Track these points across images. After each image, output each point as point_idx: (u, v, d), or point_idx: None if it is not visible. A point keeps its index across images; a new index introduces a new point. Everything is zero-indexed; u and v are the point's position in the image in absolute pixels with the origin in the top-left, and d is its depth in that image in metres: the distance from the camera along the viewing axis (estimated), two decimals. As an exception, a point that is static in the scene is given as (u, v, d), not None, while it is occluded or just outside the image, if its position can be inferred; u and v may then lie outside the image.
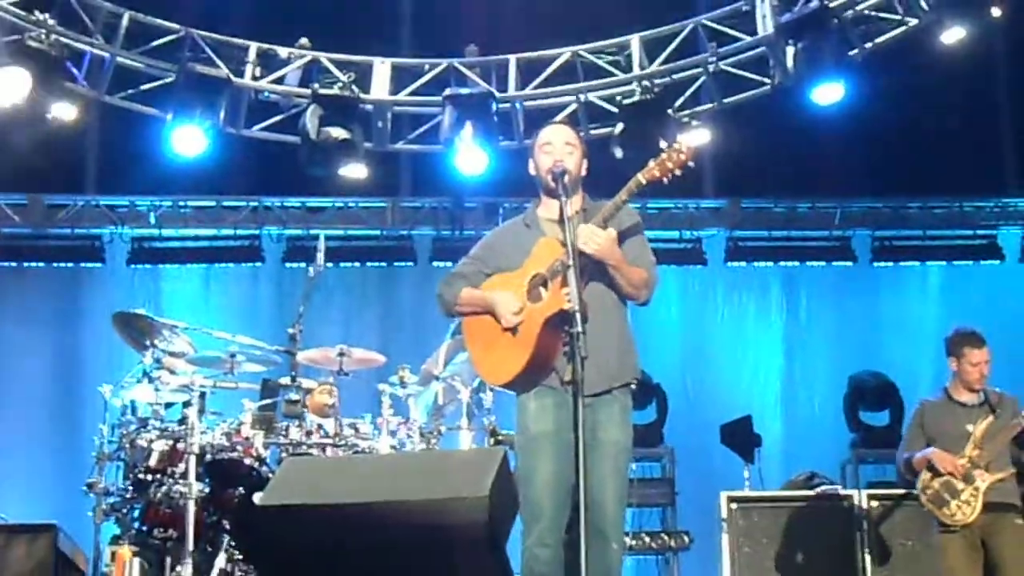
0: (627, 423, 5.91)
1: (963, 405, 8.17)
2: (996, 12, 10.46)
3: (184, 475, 8.16)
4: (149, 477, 8.43)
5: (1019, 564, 7.85)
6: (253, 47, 11.66)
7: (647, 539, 11.14)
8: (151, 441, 8.60)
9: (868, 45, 11.13)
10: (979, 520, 7.87)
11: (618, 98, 11.60)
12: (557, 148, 5.91)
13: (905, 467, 8.30)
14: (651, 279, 5.98)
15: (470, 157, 11.45)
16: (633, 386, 5.98)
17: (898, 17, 11.01)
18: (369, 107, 11.84)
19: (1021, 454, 8.15)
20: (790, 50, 10.94)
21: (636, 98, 11.37)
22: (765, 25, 11.19)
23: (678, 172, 5.66)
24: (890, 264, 14.33)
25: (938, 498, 7.96)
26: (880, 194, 14.03)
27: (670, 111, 11.39)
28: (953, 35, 10.59)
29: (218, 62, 11.40)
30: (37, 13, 10.68)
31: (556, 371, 5.71)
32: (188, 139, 11.14)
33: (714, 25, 11.53)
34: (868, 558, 9.94)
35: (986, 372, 8.14)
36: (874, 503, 10.11)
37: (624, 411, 5.88)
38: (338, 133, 11.28)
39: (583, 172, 5.98)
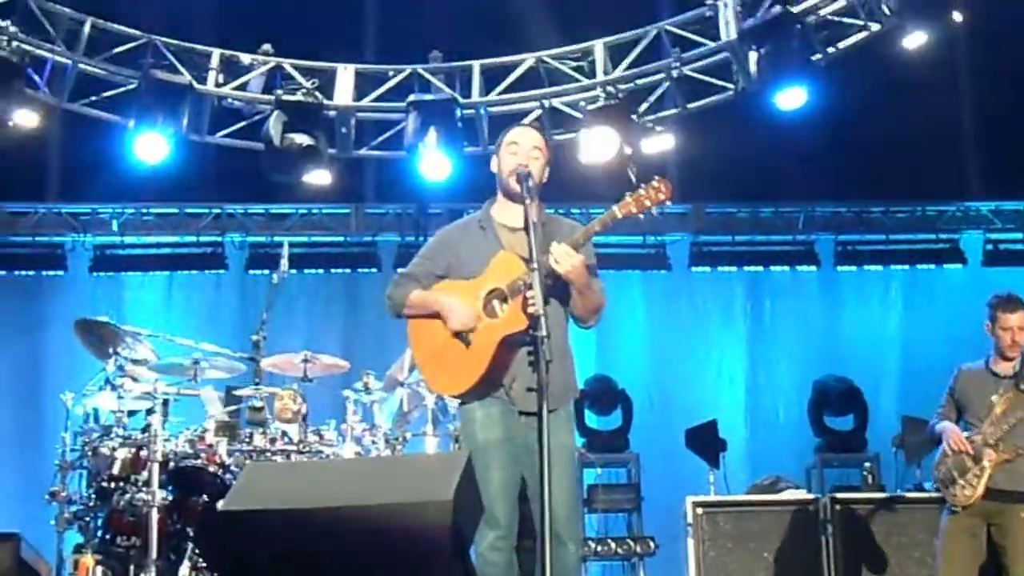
0: (572, 427, 6.02)
1: (996, 375, 7.86)
2: (957, 17, 10.52)
3: (147, 483, 8.12)
4: (112, 485, 8.40)
5: None
6: (216, 53, 11.62)
7: (613, 544, 11.12)
8: (114, 449, 8.56)
9: (831, 50, 11.17)
10: (982, 505, 7.60)
11: (582, 103, 11.61)
12: (523, 150, 5.91)
13: (930, 434, 8.03)
14: (603, 306, 6.02)
15: (434, 163, 11.44)
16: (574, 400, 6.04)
17: (860, 22, 11.06)
18: (332, 113, 11.83)
19: None
20: (753, 55, 10.99)
21: (600, 104, 11.38)
22: (728, 30, 11.23)
23: (654, 211, 5.69)
24: (853, 268, 14.37)
25: (948, 476, 7.70)
26: (843, 198, 14.08)
27: (634, 116, 11.42)
28: (915, 40, 10.64)
29: (181, 69, 11.35)
30: (-2, 20, 10.63)
31: (503, 385, 5.76)
32: (150, 146, 11.08)
33: (677, 30, 11.56)
34: (833, 562, 9.98)
35: (1019, 340, 7.80)
36: (839, 507, 10.16)
37: (568, 416, 5.96)
38: (301, 139, 11.24)
39: (544, 179, 5.97)
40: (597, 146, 11.12)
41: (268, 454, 8.63)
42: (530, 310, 5.35)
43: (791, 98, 10.72)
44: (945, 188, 13.89)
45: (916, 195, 14.08)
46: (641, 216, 5.76)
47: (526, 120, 11.42)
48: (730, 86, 11.54)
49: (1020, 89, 11.69)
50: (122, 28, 11.38)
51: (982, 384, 7.90)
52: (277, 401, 8.99)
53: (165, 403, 8.60)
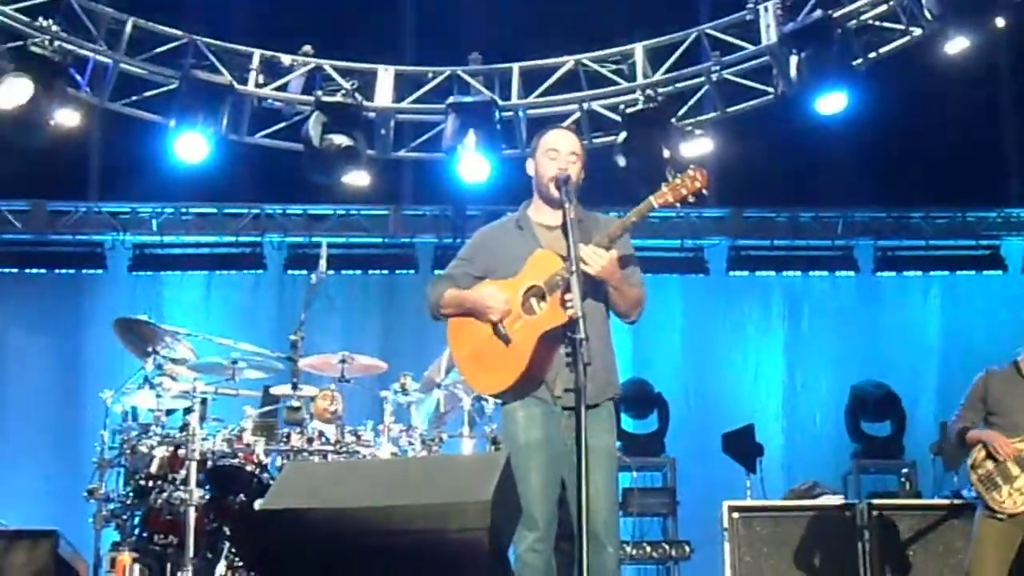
0: (614, 429, 5.95)
1: None
2: (1000, 23, 10.45)
3: (185, 481, 8.15)
4: (150, 483, 8.43)
5: None
6: (256, 54, 11.66)
7: (648, 548, 11.11)
8: (152, 447, 8.61)
9: (872, 55, 11.12)
10: None
11: (621, 107, 11.58)
12: (562, 155, 5.90)
13: (957, 438, 7.95)
14: (643, 300, 5.99)
15: (472, 165, 11.44)
16: (617, 399, 5.99)
17: (902, 27, 11.00)
18: (372, 115, 11.85)
19: None
20: (793, 59, 10.93)
21: (639, 107, 11.37)
22: (768, 34, 11.19)
23: (691, 199, 5.67)
24: (893, 274, 14.30)
25: (990, 480, 7.63)
26: (883, 204, 14.02)
27: (673, 120, 11.40)
28: (957, 45, 10.57)
29: (221, 69, 11.40)
30: (40, 19, 10.69)
31: (546, 383, 5.73)
32: (191, 146, 11.14)
33: (717, 34, 11.53)
34: (870, 568, 9.93)
35: None
36: (875, 513, 10.10)
37: (611, 417, 5.91)
38: (341, 140, 11.27)
39: (581, 180, 5.96)
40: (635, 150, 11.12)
41: (305, 454, 8.65)
42: (568, 312, 5.34)
43: (831, 103, 10.68)
44: (985, 194, 13.82)
45: (956, 201, 14.01)
46: (678, 205, 5.73)
47: (564, 123, 11.40)
48: (770, 90, 11.50)
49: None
50: (163, 28, 11.43)
51: (1017, 388, 7.85)
52: (316, 401, 9.02)
53: (203, 402, 8.64)
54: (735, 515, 10.15)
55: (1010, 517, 7.58)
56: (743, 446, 11.76)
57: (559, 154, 5.90)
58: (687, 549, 11.13)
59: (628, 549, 10.90)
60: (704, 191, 5.66)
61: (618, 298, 5.83)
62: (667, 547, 11.17)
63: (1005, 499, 7.57)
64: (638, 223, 5.76)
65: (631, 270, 5.95)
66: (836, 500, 10.55)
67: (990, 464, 7.64)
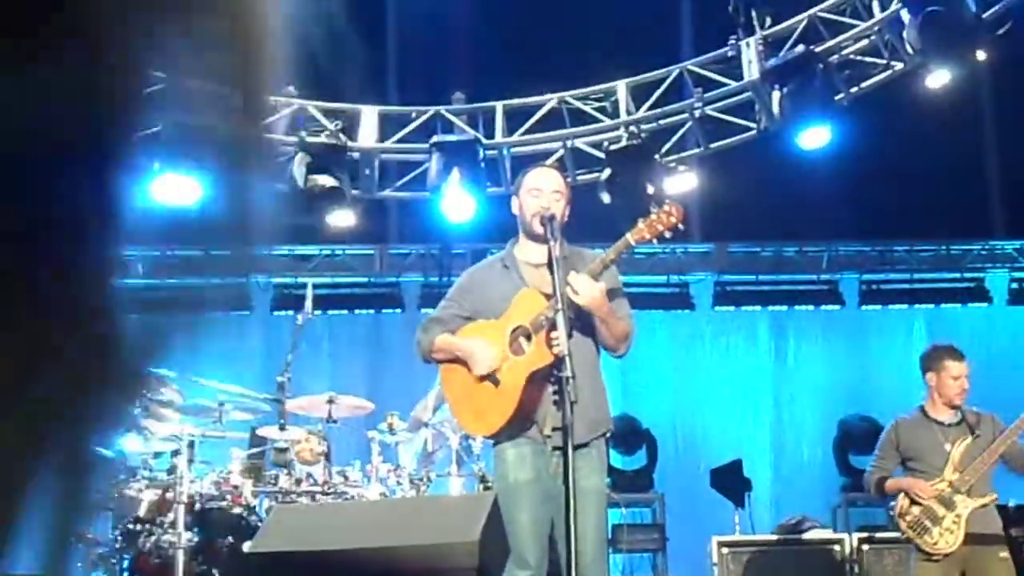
0: (604, 469, 5.93)
1: (940, 424, 7.91)
2: (981, 56, 10.51)
3: (173, 524, 8.12)
4: (138, 527, 8.39)
5: None
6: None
7: (638, 585, 11.10)
8: (140, 491, 8.57)
9: (854, 89, 11.18)
10: (961, 550, 7.60)
11: (605, 144, 11.62)
12: (546, 194, 5.92)
13: (875, 489, 8.04)
14: (632, 333, 6.00)
15: (457, 204, 11.45)
16: (608, 435, 5.97)
17: (883, 61, 11.06)
18: (356, 155, 11.86)
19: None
20: (776, 95, 10.97)
21: (623, 144, 11.40)
22: (750, 70, 11.23)
23: (667, 235, 5.69)
24: (878, 307, 14.37)
25: (919, 525, 7.68)
26: (867, 237, 14.09)
27: (657, 157, 11.43)
28: (938, 79, 10.62)
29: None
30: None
31: (536, 422, 5.74)
32: (175, 189, 11.11)
33: (699, 70, 11.58)
34: (860, 602, 9.93)
35: (967, 387, 7.91)
36: (865, 547, 10.10)
37: (601, 458, 5.90)
38: (325, 181, 11.27)
39: (566, 218, 5.99)
40: (619, 187, 11.15)
41: (293, 495, 8.63)
42: (554, 351, 5.35)
43: (814, 137, 10.73)
44: (969, 227, 13.88)
45: (940, 234, 14.08)
46: (655, 241, 5.74)
47: (548, 161, 11.42)
48: (753, 125, 11.54)
49: (1044, 127, 11.69)
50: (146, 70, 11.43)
51: (930, 434, 7.93)
52: (297, 444, 8.99)
53: (191, 445, 8.61)
54: (724, 550, 10.16)
55: (945, 557, 7.63)
56: (731, 481, 11.77)
57: (542, 192, 5.92)
58: (677, 585, 11.13)
59: (618, 586, 10.90)
60: (680, 226, 5.68)
61: (605, 331, 5.84)
62: (657, 584, 11.16)
63: (937, 539, 7.64)
64: (616, 260, 5.77)
65: (618, 303, 5.96)
66: (825, 534, 10.55)
67: (916, 510, 7.73)
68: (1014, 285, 14.31)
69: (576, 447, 5.47)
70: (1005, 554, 7.70)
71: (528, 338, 5.72)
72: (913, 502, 7.76)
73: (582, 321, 5.74)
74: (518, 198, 6.04)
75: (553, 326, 5.40)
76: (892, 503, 7.94)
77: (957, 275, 14.35)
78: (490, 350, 5.79)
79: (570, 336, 5.42)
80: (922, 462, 7.87)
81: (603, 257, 5.75)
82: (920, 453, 7.90)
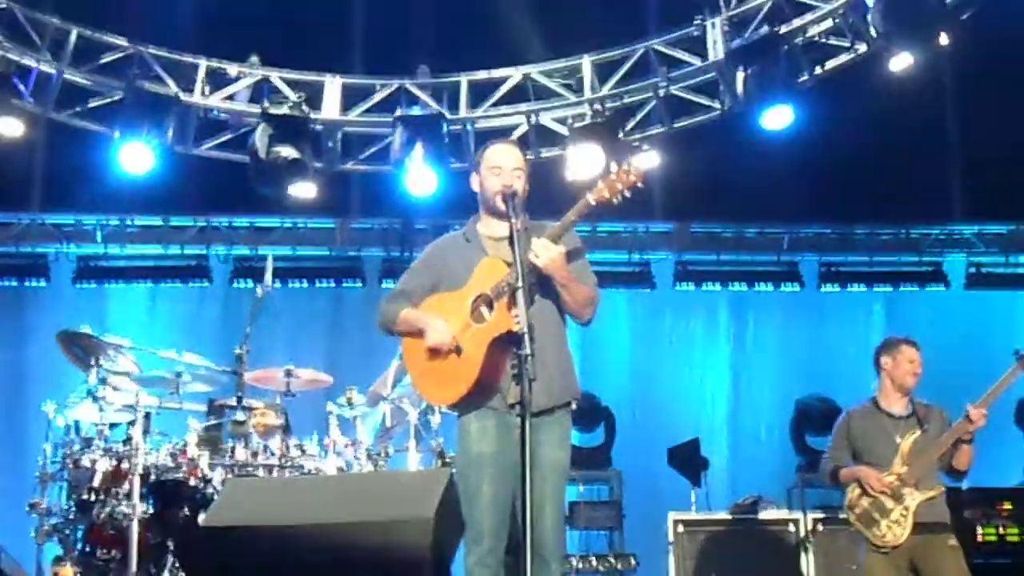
0: (567, 444, 5.93)
1: (891, 416, 7.93)
2: (944, 40, 10.53)
3: (128, 495, 8.10)
4: (93, 497, 8.37)
5: None
6: (203, 64, 11.59)
7: (594, 561, 11.12)
8: (95, 461, 8.54)
9: (817, 71, 11.18)
10: (909, 541, 7.62)
11: (569, 120, 11.61)
12: (506, 171, 5.92)
13: (831, 478, 8.05)
14: (595, 298, 6.00)
15: (420, 178, 11.42)
16: (573, 406, 5.97)
17: (847, 43, 11.07)
18: (319, 126, 11.80)
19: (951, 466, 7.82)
20: (740, 75, 10.98)
21: (587, 121, 11.39)
22: (716, 50, 11.23)
23: (627, 193, 5.66)
24: (837, 289, 14.42)
25: (867, 517, 7.72)
26: (828, 219, 14.13)
27: (620, 134, 11.43)
28: (901, 62, 10.63)
29: (167, 79, 11.33)
30: (-18, 28, 10.60)
31: (500, 392, 5.73)
32: (136, 157, 11.04)
33: (665, 49, 11.57)
34: (814, 581, 9.99)
35: (919, 372, 7.92)
36: (820, 527, 10.16)
37: (565, 433, 5.91)
38: (287, 152, 11.20)
39: (526, 193, 5.97)
40: (583, 163, 11.12)
41: (250, 468, 8.60)
42: (514, 328, 5.34)
43: (777, 118, 10.74)
44: (929, 211, 13.94)
45: (900, 217, 14.14)
46: (615, 200, 5.66)
47: (513, 136, 11.39)
48: (716, 105, 11.55)
49: (1005, 113, 11.70)
50: (108, 38, 11.33)
51: (880, 426, 7.95)
52: (254, 416, 8.96)
53: (147, 415, 8.57)
54: (680, 528, 10.22)
55: (893, 549, 7.67)
56: (688, 459, 11.80)
57: (503, 170, 5.92)
58: (633, 562, 11.16)
59: (574, 562, 10.92)
60: (639, 184, 5.64)
61: (568, 297, 5.84)
62: (613, 560, 11.19)
63: (885, 532, 7.67)
64: (576, 221, 5.75)
65: (581, 264, 5.99)
66: (780, 513, 10.61)
67: (865, 502, 7.76)
68: (972, 269, 14.40)
69: (540, 413, 5.52)
70: (953, 542, 7.71)
71: (490, 306, 5.72)
72: (863, 494, 7.79)
73: (546, 289, 5.76)
74: (478, 175, 6.05)
75: (514, 294, 5.39)
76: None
77: (915, 258, 14.43)
78: (445, 327, 5.79)
79: (532, 303, 5.43)
80: (871, 454, 7.88)
81: (564, 219, 5.75)
82: (869, 445, 7.92)
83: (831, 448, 8.16)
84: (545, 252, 5.61)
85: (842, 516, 10.09)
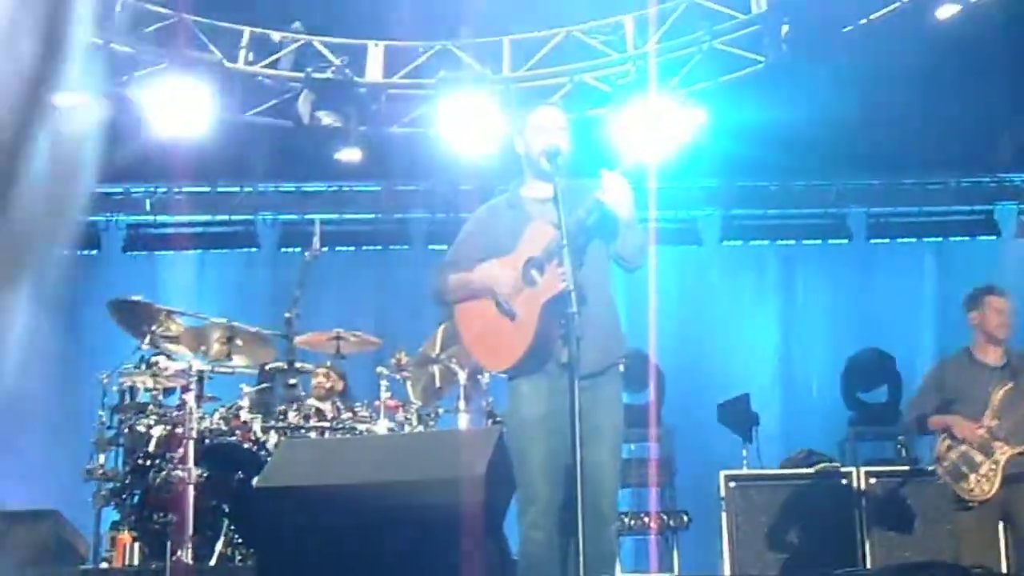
0: (620, 404, 5.94)
1: (986, 366, 7.83)
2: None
3: (183, 460, 8.16)
4: (148, 463, 8.46)
5: None
6: (246, 32, 11.62)
7: (645, 519, 11.15)
8: (150, 427, 8.63)
9: (862, 21, 11.08)
10: (998, 495, 7.52)
11: (612, 78, 11.57)
12: (551, 131, 5.92)
13: (917, 424, 7.99)
14: (647, 244, 6.01)
15: (465, 140, 11.43)
16: (622, 367, 5.96)
17: (893, -8, 10.97)
18: (363, 90, 11.81)
19: None
20: (784, 27, 10.91)
21: (630, 78, 11.34)
22: (759, 2, 11.16)
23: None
24: (886, 241, 14.34)
25: (956, 471, 7.61)
26: (876, 171, 14.01)
27: (665, 91, 11.38)
28: (948, 10, 10.54)
29: (211, 47, 11.37)
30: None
31: (553, 355, 5.72)
32: (182, 125, 11.11)
33: (707, 3, 11.49)
34: (866, 535, 9.97)
35: (1010, 323, 7.82)
36: (872, 480, 10.13)
37: (616, 393, 5.91)
38: (331, 117, 11.25)
39: (568, 153, 5.98)
40: (627, 122, 11.10)
41: (302, 431, 8.67)
42: (560, 285, 5.34)
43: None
44: (978, 160, 13.80)
45: (948, 167, 14.01)
46: None
47: (555, 97, 11.38)
48: (760, 59, 11.47)
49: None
50: (153, 7, 11.38)
51: (974, 376, 7.86)
52: (313, 378, 9.04)
53: (200, 381, 8.65)
54: (732, 484, 10.21)
55: (981, 504, 7.58)
56: (739, 416, 11.80)
57: (547, 130, 5.92)
58: (685, 519, 11.18)
59: (627, 520, 10.94)
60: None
61: (629, 239, 5.80)
62: (665, 517, 11.21)
63: (973, 487, 7.56)
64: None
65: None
66: (832, 467, 10.58)
67: (954, 455, 7.62)
68: (1023, 218, 14.26)
69: (591, 376, 5.52)
70: None
71: (540, 269, 5.72)
72: (951, 447, 7.70)
73: (595, 248, 5.77)
74: (522, 137, 6.04)
75: (562, 252, 5.40)
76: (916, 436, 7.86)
77: (966, 208, 14.29)
78: (506, 269, 5.79)
79: (582, 265, 5.43)
80: (963, 405, 7.77)
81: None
82: (962, 395, 7.81)
83: (919, 395, 8.08)
84: (616, 185, 5.62)
85: (889, 468, 10.20)
